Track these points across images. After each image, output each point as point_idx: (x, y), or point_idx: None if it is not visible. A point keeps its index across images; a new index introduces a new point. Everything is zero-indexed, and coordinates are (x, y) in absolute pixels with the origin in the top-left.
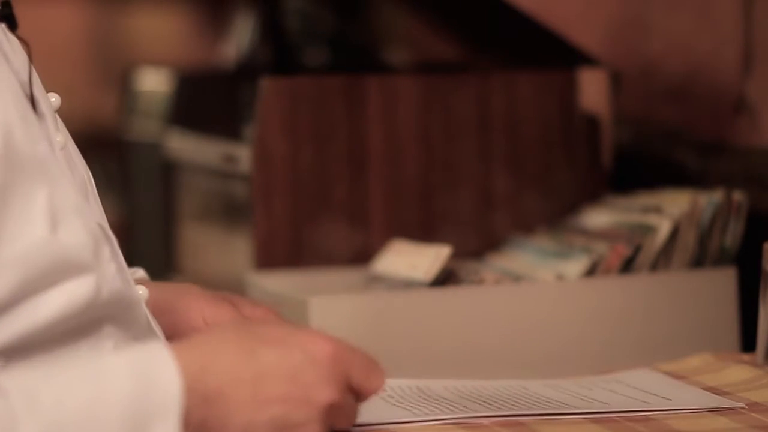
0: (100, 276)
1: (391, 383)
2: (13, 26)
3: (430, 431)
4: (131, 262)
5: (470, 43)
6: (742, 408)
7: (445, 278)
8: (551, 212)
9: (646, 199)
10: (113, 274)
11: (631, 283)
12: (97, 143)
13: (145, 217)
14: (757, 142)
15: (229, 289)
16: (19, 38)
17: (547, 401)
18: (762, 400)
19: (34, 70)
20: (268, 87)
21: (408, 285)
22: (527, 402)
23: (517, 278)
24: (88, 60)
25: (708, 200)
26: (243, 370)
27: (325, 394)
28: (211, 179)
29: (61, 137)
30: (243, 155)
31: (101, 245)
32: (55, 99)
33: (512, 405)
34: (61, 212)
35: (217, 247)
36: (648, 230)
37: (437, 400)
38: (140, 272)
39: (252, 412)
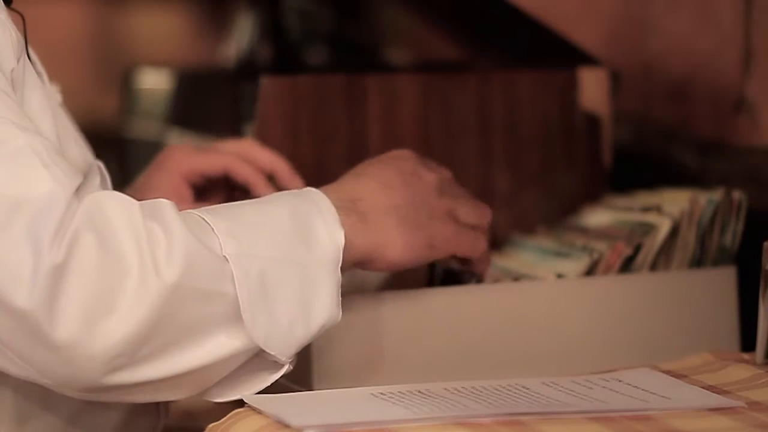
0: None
1: (390, 389)
2: (7, 1)
3: (431, 430)
4: None
5: (470, 43)
6: (742, 407)
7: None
8: (551, 212)
9: (646, 198)
10: None
11: (631, 283)
12: (97, 142)
13: None
14: (757, 142)
15: None
16: (15, 10)
17: (547, 400)
18: (762, 399)
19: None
20: (268, 86)
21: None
22: (527, 401)
23: (517, 278)
24: (88, 59)
25: (708, 200)
26: (365, 179)
27: (428, 173)
28: None
29: (59, 98)
30: None
31: (93, 173)
32: (56, 92)
33: (512, 404)
34: (62, 137)
35: None
36: (648, 229)
37: (437, 399)
38: None
39: (391, 199)
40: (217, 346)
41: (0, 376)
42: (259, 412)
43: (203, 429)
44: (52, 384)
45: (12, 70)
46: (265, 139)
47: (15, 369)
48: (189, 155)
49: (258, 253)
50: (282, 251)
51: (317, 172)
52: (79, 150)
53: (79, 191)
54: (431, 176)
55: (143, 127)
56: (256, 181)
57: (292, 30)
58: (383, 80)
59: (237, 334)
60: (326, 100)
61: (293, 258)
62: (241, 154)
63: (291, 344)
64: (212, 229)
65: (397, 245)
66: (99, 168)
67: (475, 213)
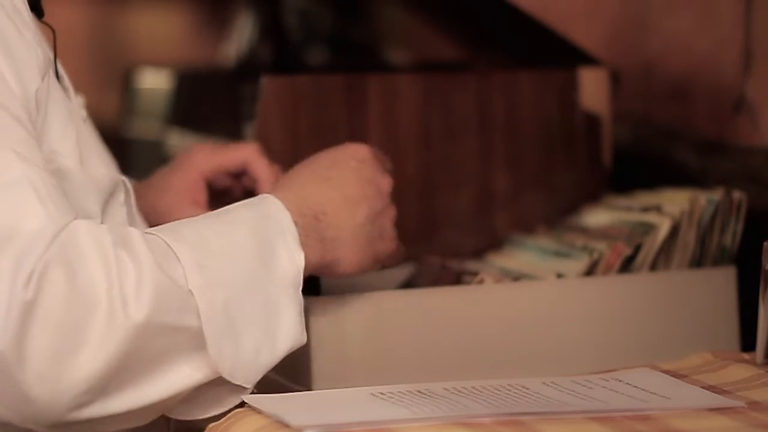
0: (109, 218)
1: (390, 389)
2: (39, 15)
3: (431, 430)
4: None
5: (470, 43)
6: (742, 407)
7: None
8: (551, 212)
9: (646, 198)
10: (123, 218)
11: (631, 283)
12: None
13: None
14: (757, 142)
15: None
16: (46, 24)
17: (546, 400)
18: (762, 399)
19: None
20: (268, 86)
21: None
22: (527, 401)
23: (517, 277)
24: (89, 59)
25: (708, 199)
26: (328, 190)
27: (385, 180)
28: None
29: (84, 113)
30: None
31: (119, 190)
32: (81, 106)
33: (512, 404)
34: (86, 155)
35: None
36: (648, 229)
37: (437, 399)
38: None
39: (350, 216)
40: (182, 377)
41: None
42: (259, 412)
43: (203, 429)
44: (18, 420)
45: (36, 90)
46: (265, 139)
47: None
48: (210, 154)
49: (222, 282)
50: (245, 277)
51: None
52: (104, 166)
53: (70, 225)
54: (385, 183)
55: (143, 127)
56: (269, 178)
57: (292, 30)
58: (383, 80)
59: (201, 365)
60: (326, 100)
61: (255, 284)
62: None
63: (256, 371)
64: (177, 257)
65: (348, 262)
66: (124, 183)
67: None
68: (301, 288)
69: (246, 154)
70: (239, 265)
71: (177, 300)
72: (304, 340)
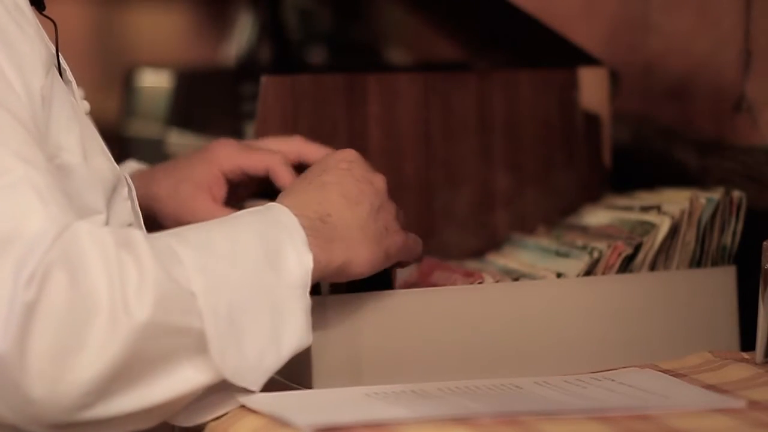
0: (113, 213)
1: (385, 389)
2: (41, 8)
3: (431, 429)
4: None
5: (470, 42)
6: (742, 406)
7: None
8: (551, 212)
9: (645, 197)
10: (129, 212)
11: (630, 282)
12: None
13: None
14: (757, 142)
15: None
16: (47, 17)
17: (546, 400)
18: (761, 399)
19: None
20: (268, 85)
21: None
22: (527, 400)
23: (517, 278)
24: (89, 59)
25: (708, 199)
26: (327, 194)
27: (377, 177)
28: None
29: (87, 106)
30: None
31: (121, 184)
32: (82, 97)
33: (512, 403)
34: (89, 149)
35: None
36: (648, 229)
37: (435, 398)
38: (133, 164)
39: (354, 213)
40: (184, 379)
41: None
42: (258, 411)
43: (203, 429)
44: (20, 421)
45: (41, 88)
46: (265, 137)
47: None
48: (234, 153)
49: (227, 285)
50: (251, 280)
51: None
52: (107, 161)
53: (71, 224)
54: (378, 179)
55: (143, 127)
56: None
57: (292, 30)
58: (383, 80)
59: (204, 367)
60: (326, 99)
61: (262, 285)
62: (290, 154)
63: (261, 374)
64: (181, 260)
65: (361, 260)
66: (125, 178)
67: (400, 214)
68: (309, 289)
69: (271, 162)
70: (245, 268)
71: (180, 301)
72: (310, 341)
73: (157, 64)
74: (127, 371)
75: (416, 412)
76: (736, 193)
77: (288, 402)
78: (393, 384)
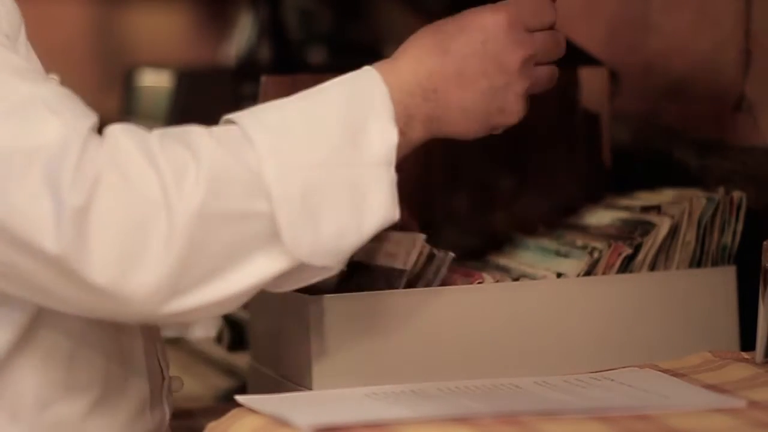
0: None
1: (385, 389)
2: None
3: (430, 429)
4: None
5: None
6: (742, 406)
7: (425, 263)
8: (551, 212)
9: (645, 197)
10: None
11: (630, 282)
12: None
13: None
14: (757, 142)
15: None
16: None
17: (546, 400)
18: (762, 399)
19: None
20: (268, 85)
21: (388, 275)
22: (527, 400)
23: (517, 277)
24: (89, 59)
25: (708, 199)
26: (444, 65)
27: (513, 55)
28: None
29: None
30: None
31: None
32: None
33: (512, 402)
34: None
35: None
36: (648, 229)
37: (435, 399)
38: None
39: (464, 94)
40: (259, 268)
41: (22, 362)
42: (258, 411)
43: (203, 429)
44: (100, 316)
45: (6, 37)
46: None
47: (64, 307)
48: None
49: (302, 165)
50: (330, 158)
51: None
52: None
53: (93, 130)
54: (515, 57)
55: (144, 126)
56: None
57: (292, 30)
58: None
59: (278, 254)
60: None
61: (341, 161)
62: None
63: (341, 252)
64: (252, 143)
65: (456, 136)
66: None
67: (552, 53)
68: (393, 165)
69: None
70: (324, 146)
71: (242, 185)
72: (396, 216)
73: (157, 64)
74: (195, 266)
75: (416, 412)
76: (736, 193)
77: (288, 402)
78: (393, 384)
